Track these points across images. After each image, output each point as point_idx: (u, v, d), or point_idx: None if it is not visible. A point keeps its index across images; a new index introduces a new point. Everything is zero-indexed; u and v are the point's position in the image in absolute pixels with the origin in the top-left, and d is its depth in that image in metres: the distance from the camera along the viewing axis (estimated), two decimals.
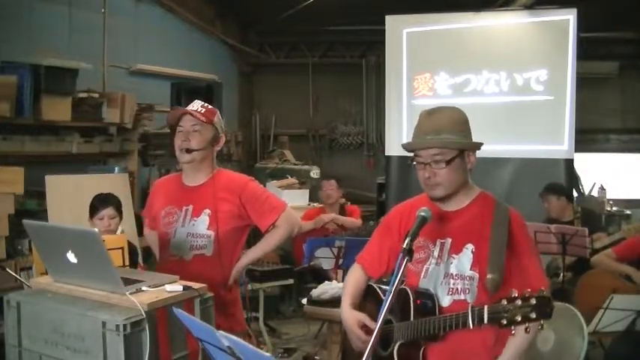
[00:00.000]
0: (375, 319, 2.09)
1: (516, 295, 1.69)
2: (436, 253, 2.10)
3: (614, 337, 3.61)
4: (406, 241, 1.85)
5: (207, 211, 2.70)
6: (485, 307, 1.78)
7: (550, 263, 4.68)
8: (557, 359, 3.43)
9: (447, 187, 2.04)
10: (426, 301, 2.03)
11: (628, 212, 7.37)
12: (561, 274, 4.49)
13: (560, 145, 6.40)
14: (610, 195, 7.40)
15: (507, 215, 2.04)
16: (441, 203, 2.11)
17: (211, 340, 1.57)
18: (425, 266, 2.11)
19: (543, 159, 6.41)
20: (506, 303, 1.70)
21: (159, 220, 2.81)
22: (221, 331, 1.51)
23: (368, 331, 2.08)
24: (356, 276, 2.32)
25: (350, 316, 2.19)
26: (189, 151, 2.69)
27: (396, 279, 1.81)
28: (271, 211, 2.75)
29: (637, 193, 7.90)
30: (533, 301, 1.66)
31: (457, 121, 2.06)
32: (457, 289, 2.03)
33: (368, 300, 2.30)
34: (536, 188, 5.35)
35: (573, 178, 6.65)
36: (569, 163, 6.42)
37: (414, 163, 2.08)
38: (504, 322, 1.69)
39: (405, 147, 2.13)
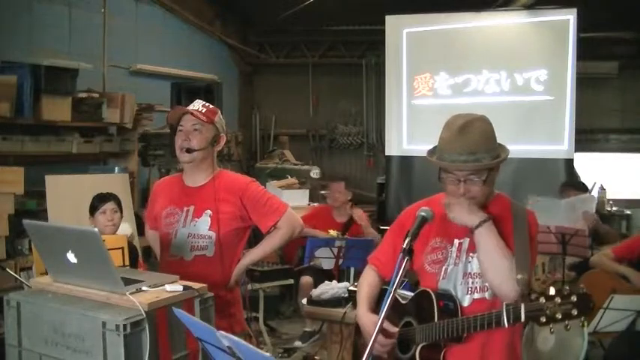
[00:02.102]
0: (392, 321, 2.10)
1: (554, 292, 1.69)
2: (454, 254, 2.10)
3: (614, 337, 3.61)
4: (406, 241, 1.84)
5: (209, 211, 2.69)
6: (522, 305, 1.77)
7: (552, 261, 4.67)
8: (557, 359, 3.43)
9: (480, 200, 2.06)
10: (448, 303, 2.04)
11: (628, 212, 7.36)
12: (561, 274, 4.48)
13: (560, 145, 6.41)
14: (610, 195, 7.38)
15: (526, 216, 2.08)
16: None
17: (211, 340, 1.57)
18: (444, 267, 2.10)
19: (543, 159, 6.42)
20: (544, 301, 1.70)
21: (160, 220, 2.80)
22: (221, 331, 1.51)
23: (387, 335, 2.08)
24: (370, 279, 2.31)
25: (367, 320, 2.17)
26: (189, 150, 2.69)
27: (396, 279, 1.81)
28: (273, 212, 2.74)
29: (637, 193, 7.89)
30: (574, 298, 1.67)
31: (489, 137, 2.04)
32: (476, 287, 2.04)
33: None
34: (536, 188, 5.34)
35: (573, 178, 6.64)
36: (569, 163, 6.42)
37: (447, 177, 2.05)
38: (543, 319, 1.70)
39: (436, 164, 2.06)
